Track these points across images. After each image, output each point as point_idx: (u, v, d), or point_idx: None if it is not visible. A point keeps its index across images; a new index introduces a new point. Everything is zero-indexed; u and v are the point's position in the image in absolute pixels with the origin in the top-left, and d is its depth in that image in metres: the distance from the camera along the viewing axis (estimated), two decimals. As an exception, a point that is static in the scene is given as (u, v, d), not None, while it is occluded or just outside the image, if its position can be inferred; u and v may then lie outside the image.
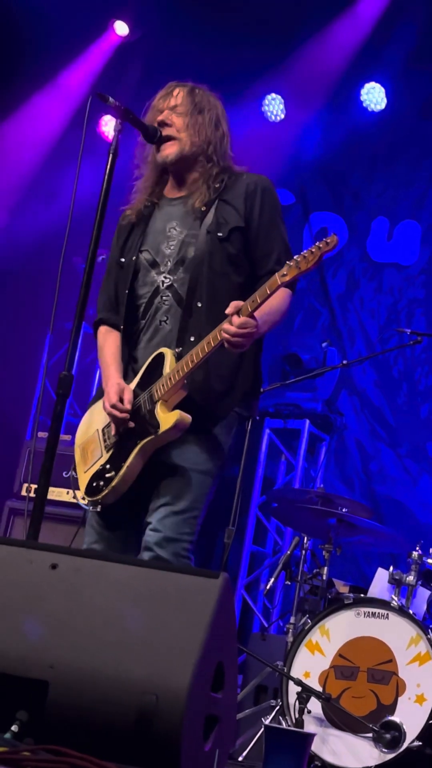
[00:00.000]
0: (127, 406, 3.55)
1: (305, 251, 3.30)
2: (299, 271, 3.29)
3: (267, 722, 4.76)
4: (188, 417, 3.48)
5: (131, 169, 3.95)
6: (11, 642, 2.42)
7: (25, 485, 6.47)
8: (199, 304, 3.58)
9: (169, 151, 3.73)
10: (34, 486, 5.64)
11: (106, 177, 3.59)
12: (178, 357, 3.53)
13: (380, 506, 7.74)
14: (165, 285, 3.67)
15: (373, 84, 8.38)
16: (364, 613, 4.82)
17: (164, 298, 3.66)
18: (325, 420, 7.99)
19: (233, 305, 3.38)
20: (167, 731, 2.30)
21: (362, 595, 4.94)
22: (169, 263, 3.68)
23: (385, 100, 8.39)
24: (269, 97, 8.61)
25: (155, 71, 8.54)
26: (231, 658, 2.64)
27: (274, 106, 8.61)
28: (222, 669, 2.57)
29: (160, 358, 3.57)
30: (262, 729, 4.72)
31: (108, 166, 3.60)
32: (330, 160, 8.71)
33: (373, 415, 8.11)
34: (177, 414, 3.47)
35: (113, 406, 3.54)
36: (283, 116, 8.62)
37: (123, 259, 3.78)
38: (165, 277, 3.67)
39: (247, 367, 3.66)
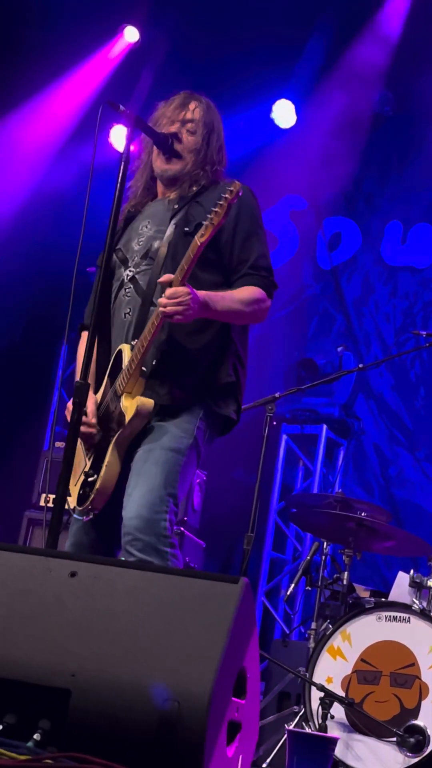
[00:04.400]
0: (91, 419, 3.57)
1: (215, 206, 3.35)
2: (214, 227, 3.35)
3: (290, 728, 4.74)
4: (149, 401, 3.51)
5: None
6: (33, 651, 2.42)
7: (44, 495, 6.48)
8: (156, 299, 3.58)
9: (171, 167, 3.76)
10: (52, 496, 5.66)
11: (118, 185, 3.58)
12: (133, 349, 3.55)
13: (399, 510, 7.72)
14: (128, 278, 3.70)
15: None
16: (386, 618, 4.81)
17: (127, 290, 3.69)
18: (343, 425, 7.98)
19: (165, 276, 3.43)
20: (190, 738, 2.28)
21: (383, 600, 4.93)
22: (135, 258, 3.71)
23: (395, 105, 8.40)
24: (279, 102, 8.60)
25: (165, 77, 8.56)
26: (253, 663, 2.63)
27: (285, 112, 8.60)
28: (244, 674, 2.56)
29: (120, 354, 3.61)
30: (286, 735, 4.72)
31: (120, 174, 3.60)
32: (342, 165, 8.70)
33: (391, 419, 8.09)
34: (138, 400, 3.50)
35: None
36: (293, 122, 8.61)
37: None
38: (130, 271, 3.70)
39: (217, 362, 3.62)
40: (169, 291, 3.40)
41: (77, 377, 3.49)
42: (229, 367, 3.65)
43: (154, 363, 3.55)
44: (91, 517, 3.57)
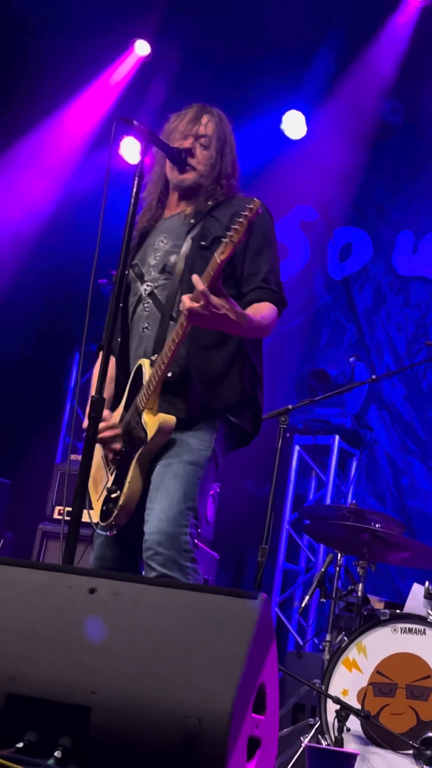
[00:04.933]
0: (110, 425, 3.57)
1: (235, 223, 3.30)
2: (234, 244, 3.31)
3: (306, 741, 4.73)
4: (171, 418, 3.52)
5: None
6: (53, 668, 2.42)
7: (58, 508, 6.48)
8: (177, 312, 3.58)
9: (187, 176, 3.78)
10: (66, 509, 5.66)
11: (132, 199, 3.59)
12: (153, 364, 3.55)
13: (412, 520, 7.71)
14: (147, 293, 3.71)
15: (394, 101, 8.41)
16: (401, 629, 4.80)
17: (145, 305, 3.70)
18: (355, 435, 7.97)
19: (194, 278, 3.35)
20: (211, 754, 2.28)
21: (399, 611, 4.92)
22: (152, 272, 3.72)
23: (404, 115, 8.40)
24: (289, 113, 8.61)
25: (176, 89, 8.58)
26: (272, 678, 2.63)
27: (295, 123, 8.61)
28: (263, 689, 2.55)
29: (140, 369, 3.62)
30: (302, 748, 4.71)
31: (134, 188, 3.61)
32: (353, 175, 8.71)
33: (404, 429, 8.08)
34: (159, 417, 3.51)
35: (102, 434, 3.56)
36: (304, 133, 8.62)
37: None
38: (147, 286, 3.71)
39: (233, 376, 3.63)
40: (209, 299, 3.32)
41: (92, 392, 3.50)
42: (245, 381, 3.66)
43: (170, 375, 3.55)
44: (114, 532, 3.58)
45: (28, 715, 2.39)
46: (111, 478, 3.63)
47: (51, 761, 2.32)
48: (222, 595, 2.51)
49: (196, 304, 3.31)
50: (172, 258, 3.70)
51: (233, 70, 8.36)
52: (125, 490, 3.54)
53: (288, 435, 7.31)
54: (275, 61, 8.40)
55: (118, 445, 3.61)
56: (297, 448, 8.10)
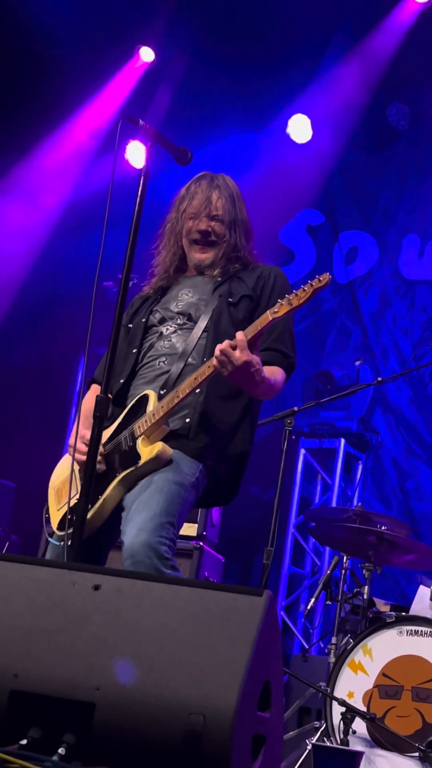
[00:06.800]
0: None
1: (298, 290, 3.38)
2: (291, 308, 3.37)
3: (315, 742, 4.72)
4: (169, 450, 3.52)
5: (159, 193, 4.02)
6: (57, 665, 2.41)
7: (63, 510, 6.46)
8: (197, 357, 3.66)
9: (207, 256, 3.86)
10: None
11: (138, 200, 3.59)
12: (161, 398, 3.57)
13: (418, 524, 7.70)
14: (169, 332, 3.76)
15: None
16: (407, 632, 4.79)
17: (166, 342, 3.74)
18: (361, 438, 7.96)
19: (239, 334, 3.40)
20: (215, 751, 2.27)
21: (404, 614, 4.91)
22: (177, 318, 3.78)
23: (411, 119, 8.40)
24: (295, 117, 8.61)
25: (181, 96, 8.60)
26: (277, 676, 2.62)
27: (301, 127, 8.61)
28: (269, 687, 2.54)
29: (144, 399, 3.63)
30: (307, 750, 4.69)
31: (140, 190, 3.60)
32: (359, 179, 8.72)
33: (409, 432, 8.07)
34: (159, 445, 3.51)
35: (81, 452, 3.58)
36: (309, 137, 8.62)
37: (130, 324, 3.87)
38: (170, 326, 3.77)
39: (243, 428, 3.69)
40: (245, 351, 3.37)
41: (82, 428, 3.56)
42: (247, 436, 3.71)
43: (187, 421, 3.59)
44: (69, 544, 3.54)
45: (31, 712, 2.38)
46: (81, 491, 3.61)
47: (55, 758, 2.31)
48: (227, 592, 2.50)
49: (231, 351, 3.35)
50: (200, 309, 3.76)
51: (239, 74, 8.37)
52: (98, 505, 3.53)
53: (293, 438, 7.30)
54: (281, 66, 8.40)
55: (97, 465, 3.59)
56: (302, 451, 8.09)
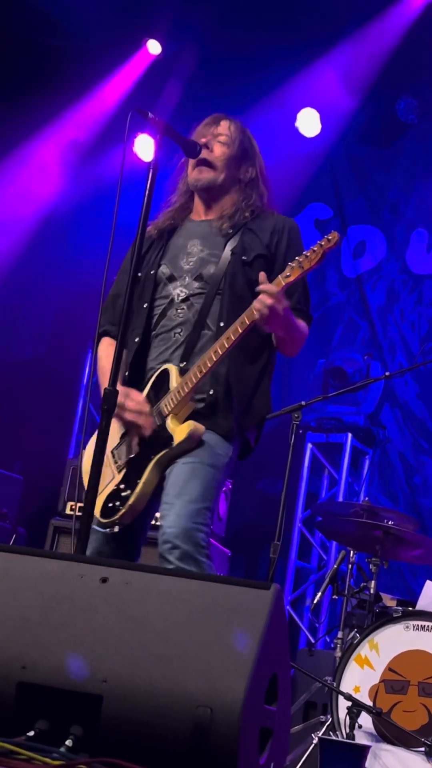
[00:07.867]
0: (143, 404, 3.56)
1: (307, 250, 3.36)
2: (303, 271, 3.36)
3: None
4: (201, 427, 3.52)
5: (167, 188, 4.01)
6: (65, 657, 2.41)
7: (70, 504, 6.47)
8: (213, 323, 3.61)
9: (202, 176, 3.77)
10: (78, 504, 5.65)
11: (146, 193, 3.58)
12: (183, 371, 3.55)
13: (425, 519, 7.69)
14: (180, 298, 3.68)
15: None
16: (414, 627, 4.78)
17: (179, 310, 3.67)
18: (368, 433, 7.95)
19: (266, 286, 3.39)
20: (222, 744, 2.27)
21: (411, 609, 4.90)
22: (186, 278, 3.70)
23: (420, 113, 8.38)
24: (304, 111, 8.59)
25: (189, 89, 8.58)
26: (284, 669, 2.62)
27: (309, 121, 8.59)
28: (276, 681, 2.54)
29: (165, 374, 3.60)
30: (313, 744, 4.69)
31: (148, 182, 3.59)
32: (367, 173, 8.70)
33: (416, 427, 8.06)
34: (190, 424, 3.50)
35: (130, 410, 3.54)
36: (318, 130, 8.60)
37: (140, 273, 3.75)
38: (181, 291, 3.69)
39: (263, 390, 3.69)
40: (273, 289, 3.38)
41: (104, 384, 3.48)
42: (268, 397, 3.71)
43: (211, 393, 3.58)
44: (115, 530, 3.56)
45: (39, 704, 2.39)
46: (119, 476, 3.60)
47: (62, 750, 2.31)
48: (234, 585, 2.50)
49: (271, 301, 3.34)
50: (211, 268, 3.68)
51: (247, 67, 8.35)
52: (137, 490, 3.53)
53: (300, 432, 7.30)
54: (290, 59, 8.38)
55: (140, 434, 3.58)
56: (309, 446, 8.08)
